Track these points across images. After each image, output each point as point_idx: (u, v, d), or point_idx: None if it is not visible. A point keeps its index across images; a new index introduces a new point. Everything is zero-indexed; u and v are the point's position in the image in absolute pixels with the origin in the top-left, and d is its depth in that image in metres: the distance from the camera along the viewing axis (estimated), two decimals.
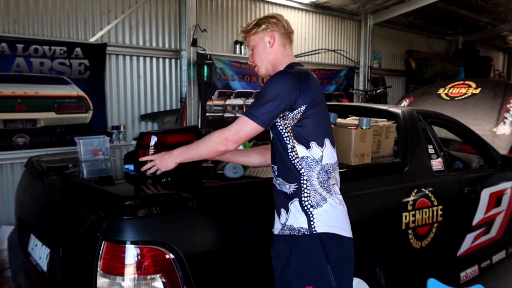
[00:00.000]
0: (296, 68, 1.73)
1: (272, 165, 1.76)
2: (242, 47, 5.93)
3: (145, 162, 1.84)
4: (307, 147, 1.64)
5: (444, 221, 2.54)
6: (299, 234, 1.61)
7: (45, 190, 2.13)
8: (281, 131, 1.66)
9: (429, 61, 8.72)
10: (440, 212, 2.51)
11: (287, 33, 1.81)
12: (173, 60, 5.32)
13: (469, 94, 4.77)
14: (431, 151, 2.74)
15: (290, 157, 1.65)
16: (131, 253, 1.51)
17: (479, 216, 2.91)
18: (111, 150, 2.64)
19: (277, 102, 1.58)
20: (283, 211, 1.68)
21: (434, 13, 8.25)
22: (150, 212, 1.56)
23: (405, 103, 5.34)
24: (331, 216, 1.63)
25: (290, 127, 1.64)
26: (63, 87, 4.38)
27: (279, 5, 6.46)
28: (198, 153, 1.72)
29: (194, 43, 5.24)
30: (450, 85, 5.14)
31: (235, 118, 5.80)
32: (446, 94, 5.00)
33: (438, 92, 5.13)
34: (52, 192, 2.05)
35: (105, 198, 1.70)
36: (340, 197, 1.72)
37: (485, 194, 2.96)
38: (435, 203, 2.50)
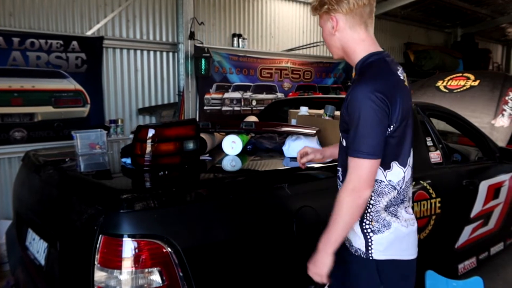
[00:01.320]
0: (380, 68, 1.44)
1: (338, 168, 1.61)
2: (240, 40, 5.90)
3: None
4: (386, 168, 1.45)
5: (442, 214, 2.54)
6: (356, 254, 1.52)
7: (42, 184, 2.12)
8: None
9: (427, 54, 8.71)
10: (438, 205, 2.51)
11: (356, 9, 1.44)
12: (170, 54, 5.30)
13: (468, 86, 4.76)
14: (429, 143, 2.74)
15: None
16: (128, 246, 1.50)
17: (477, 208, 2.91)
18: (108, 144, 2.63)
19: (379, 127, 1.35)
20: None
21: (433, 5, 8.22)
22: (147, 206, 1.55)
23: None
24: (393, 242, 1.48)
25: None
26: (60, 81, 4.36)
27: None
28: (344, 226, 1.42)
29: (192, 36, 5.21)
30: (448, 78, 5.13)
31: (233, 111, 5.79)
32: (445, 87, 4.99)
33: (436, 85, 5.12)
34: (49, 186, 2.04)
35: (102, 191, 1.69)
36: (409, 216, 1.54)
37: (483, 187, 2.96)
38: (433, 195, 2.50)
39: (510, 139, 4.13)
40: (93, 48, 4.56)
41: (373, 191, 1.46)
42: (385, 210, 1.48)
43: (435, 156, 2.70)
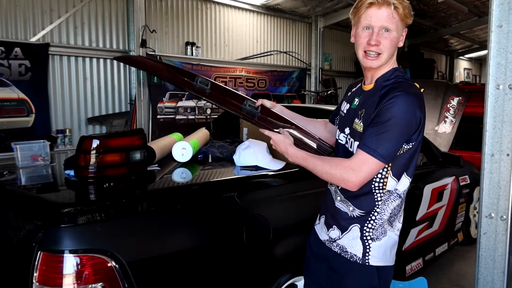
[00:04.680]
0: (410, 82, 1.47)
1: None
2: (194, 48, 5.87)
3: None
4: (399, 179, 1.47)
5: None
6: (351, 260, 1.52)
7: None
8: None
9: None
10: None
11: None
12: None
13: None
14: None
15: (373, 186, 1.47)
16: (70, 262, 1.44)
17: (422, 211, 3.04)
18: (55, 155, 2.52)
19: (403, 137, 1.38)
20: (335, 227, 1.57)
21: None
22: (90, 219, 1.50)
23: None
24: (386, 249, 1.53)
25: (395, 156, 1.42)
26: (1, 90, 4.15)
27: (230, 6, 6.46)
28: (316, 169, 1.47)
29: (143, 44, 5.13)
30: None
31: (187, 120, 5.73)
32: None
33: None
34: None
35: (42, 206, 1.61)
36: (400, 225, 1.58)
37: (428, 190, 3.09)
38: None
39: (451, 145, 4.36)
40: (38, 55, 4.39)
41: (381, 201, 1.48)
42: (387, 219, 1.51)
43: None
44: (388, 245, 1.53)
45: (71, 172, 1.90)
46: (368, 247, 1.50)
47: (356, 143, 1.48)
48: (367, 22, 1.44)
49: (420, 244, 3.15)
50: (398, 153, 1.42)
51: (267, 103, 1.85)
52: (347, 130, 1.56)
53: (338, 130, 1.65)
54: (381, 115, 1.37)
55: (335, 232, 1.57)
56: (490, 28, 2.11)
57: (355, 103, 1.57)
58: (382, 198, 1.48)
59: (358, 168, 1.39)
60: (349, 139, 1.54)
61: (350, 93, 1.67)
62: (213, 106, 6.07)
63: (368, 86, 1.53)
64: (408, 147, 1.42)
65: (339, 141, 1.61)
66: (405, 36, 1.52)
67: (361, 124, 1.47)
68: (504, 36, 2.08)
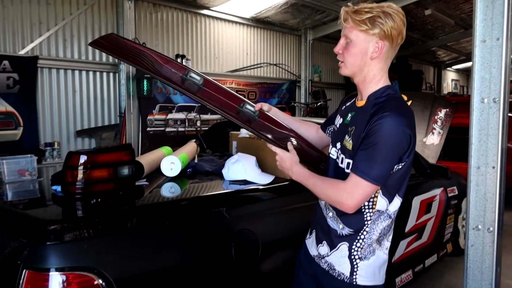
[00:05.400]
0: (402, 101, 1.45)
1: None
2: (184, 60, 5.89)
3: None
4: (391, 200, 1.47)
5: None
6: (339, 278, 1.51)
7: None
8: None
9: None
10: None
11: (399, 45, 1.47)
12: (111, 74, 5.18)
13: None
14: None
15: (363, 204, 1.45)
16: (56, 280, 1.42)
17: (411, 223, 3.05)
18: (43, 169, 2.50)
19: (394, 158, 1.37)
20: (325, 243, 1.56)
21: None
22: (77, 236, 1.48)
23: None
24: (374, 269, 1.51)
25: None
26: None
27: (220, 19, 6.50)
28: (315, 189, 1.49)
29: None
30: None
31: (178, 132, 5.72)
32: None
33: None
34: None
35: (27, 222, 1.59)
36: (389, 244, 1.57)
37: (416, 202, 3.11)
38: None
39: (440, 155, 4.40)
40: (27, 68, 4.36)
41: (370, 220, 1.47)
42: (376, 239, 1.50)
43: None
44: (376, 264, 1.52)
45: (58, 188, 1.88)
46: (356, 266, 1.49)
47: (346, 160, 1.49)
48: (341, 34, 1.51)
49: (410, 256, 3.16)
50: (389, 173, 1.42)
51: (265, 106, 1.82)
52: (338, 145, 1.57)
53: (331, 144, 1.65)
54: (370, 136, 1.37)
55: (324, 249, 1.57)
56: (474, 43, 2.16)
57: (347, 118, 1.57)
58: (371, 218, 1.47)
59: (352, 191, 1.39)
60: (339, 154, 1.55)
61: (344, 107, 1.67)
62: (203, 118, 6.08)
63: (360, 103, 1.53)
64: (398, 167, 1.42)
65: (331, 155, 1.61)
66: None
67: (351, 141, 1.47)
68: (488, 51, 2.12)
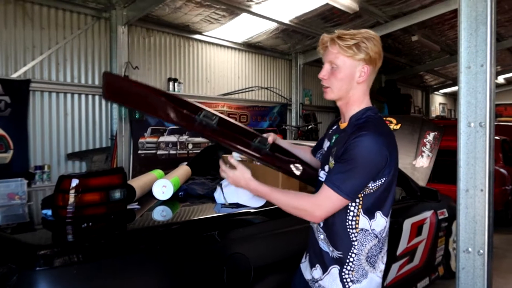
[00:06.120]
0: (381, 122, 1.52)
1: None
2: (176, 84, 5.94)
3: None
4: (371, 217, 1.48)
5: None
6: None
7: None
8: None
9: None
10: None
11: (378, 67, 1.54)
12: None
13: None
14: None
15: (347, 224, 1.47)
16: None
17: (402, 246, 3.05)
18: (32, 193, 2.47)
19: (368, 175, 1.40)
20: (318, 266, 1.57)
21: None
22: (67, 261, 1.46)
23: None
24: None
25: (363, 195, 1.45)
26: None
27: (212, 43, 6.60)
28: (280, 202, 1.49)
29: None
30: None
31: (169, 155, 5.71)
32: None
33: None
34: None
35: (16, 247, 1.57)
36: (383, 266, 1.57)
37: (407, 225, 3.12)
38: None
39: (429, 178, 4.44)
40: (19, 91, 4.37)
41: (356, 241, 1.48)
42: (366, 260, 1.49)
43: None
44: (370, 286, 1.51)
45: (49, 212, 1.87)
46: None
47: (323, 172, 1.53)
48: (323, 59, 1.54)
49: (402, 279, 3.14)
50: (368, 191, 1.45)
51: (274, 136, 1.77)
52: (326, 168, 1.59)
53: (320, 167, 1.67)
54: (346, 153, 1.41)
55: (317, 272, 1.57)
56: (460, 69, 2.22)
57: (332, 141, 1.61)
58: (357, 238, 1.48)
59: (322, 203, 1.42)
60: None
61: (331, 130, 1.71)
62: (195, 141, 6.09)
63: (343, 125, 1.58)
64: (376, 185, 1.45)
65: (320, 178, 1.63)
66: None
67: (333, 162, 1.50)
68: (473, 76, 2.19)
